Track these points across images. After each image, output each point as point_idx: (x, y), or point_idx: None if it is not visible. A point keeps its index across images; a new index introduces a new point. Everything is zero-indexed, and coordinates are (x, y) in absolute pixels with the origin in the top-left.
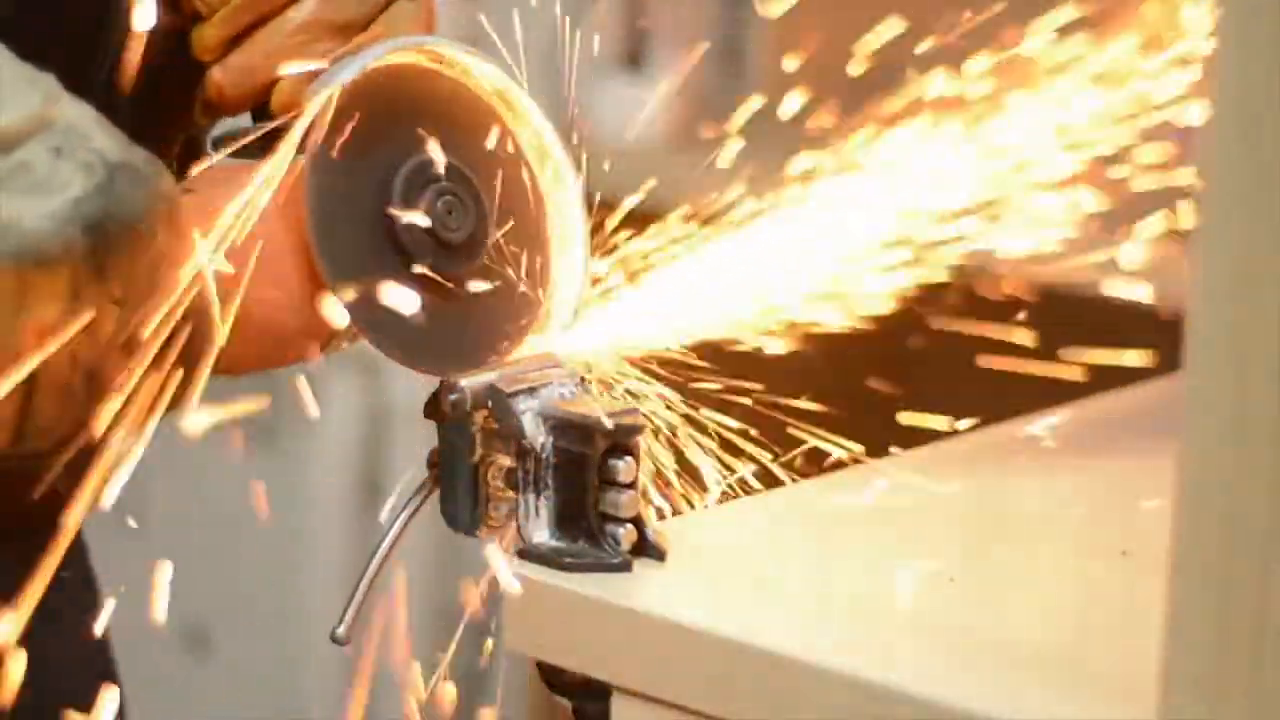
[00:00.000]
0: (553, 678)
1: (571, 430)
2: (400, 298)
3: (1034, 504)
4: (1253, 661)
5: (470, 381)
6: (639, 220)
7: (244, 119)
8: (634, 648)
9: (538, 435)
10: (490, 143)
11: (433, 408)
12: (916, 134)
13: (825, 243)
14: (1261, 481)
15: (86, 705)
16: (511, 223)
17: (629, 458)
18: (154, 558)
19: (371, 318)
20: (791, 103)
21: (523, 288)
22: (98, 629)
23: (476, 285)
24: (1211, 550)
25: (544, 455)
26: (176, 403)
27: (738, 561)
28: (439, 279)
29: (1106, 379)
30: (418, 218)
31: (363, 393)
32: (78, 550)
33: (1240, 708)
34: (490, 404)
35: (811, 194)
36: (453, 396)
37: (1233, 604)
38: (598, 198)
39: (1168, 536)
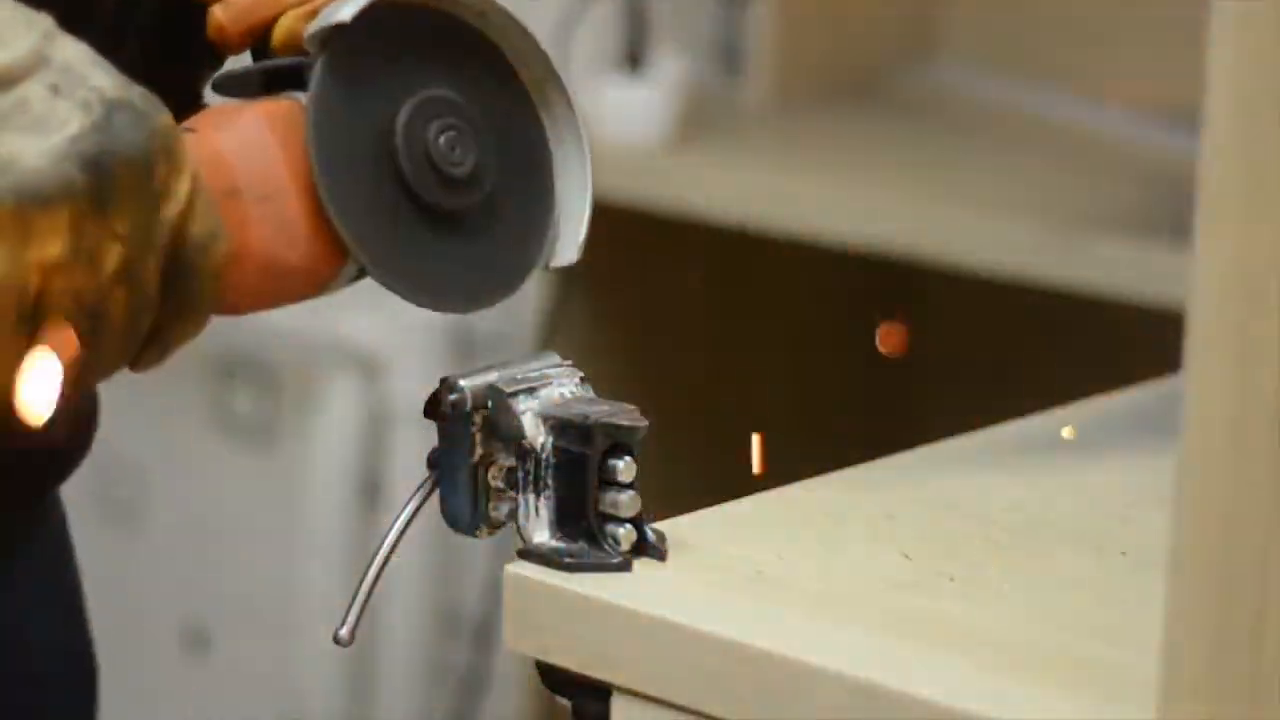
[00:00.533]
0: (553, 678)
1: (571, 430)
2: (404, 233)
3: (1034, 504)
4: (1253, 661)
5: (470, 381)
6: (638, 220)
7: (244, 60)
8: (634, 648)
9: (538, 435)
10: (493, 77)
11: (433, 408)
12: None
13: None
14: (1261, 481)
15: (61, 683)
16: (515, 157)
17: (629, 458)
18: (154, 557)
19: (374, 253)
20: (790, 102)
21: (527, 223)
22: (76, 606)
23: (480, 220)
24: (1211, 550)
25: (544, 455)
26: (176, 340)
27: (738, 561)
28: (442, 213)
29: (1107, 379)
30: (419, 152)
31: (363, 393)
32: (57, 521)
33: (1240, 708)
34: (490, 404)
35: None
36: (453, 396)
37: (1233, 604)
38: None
39: (1168, 536)
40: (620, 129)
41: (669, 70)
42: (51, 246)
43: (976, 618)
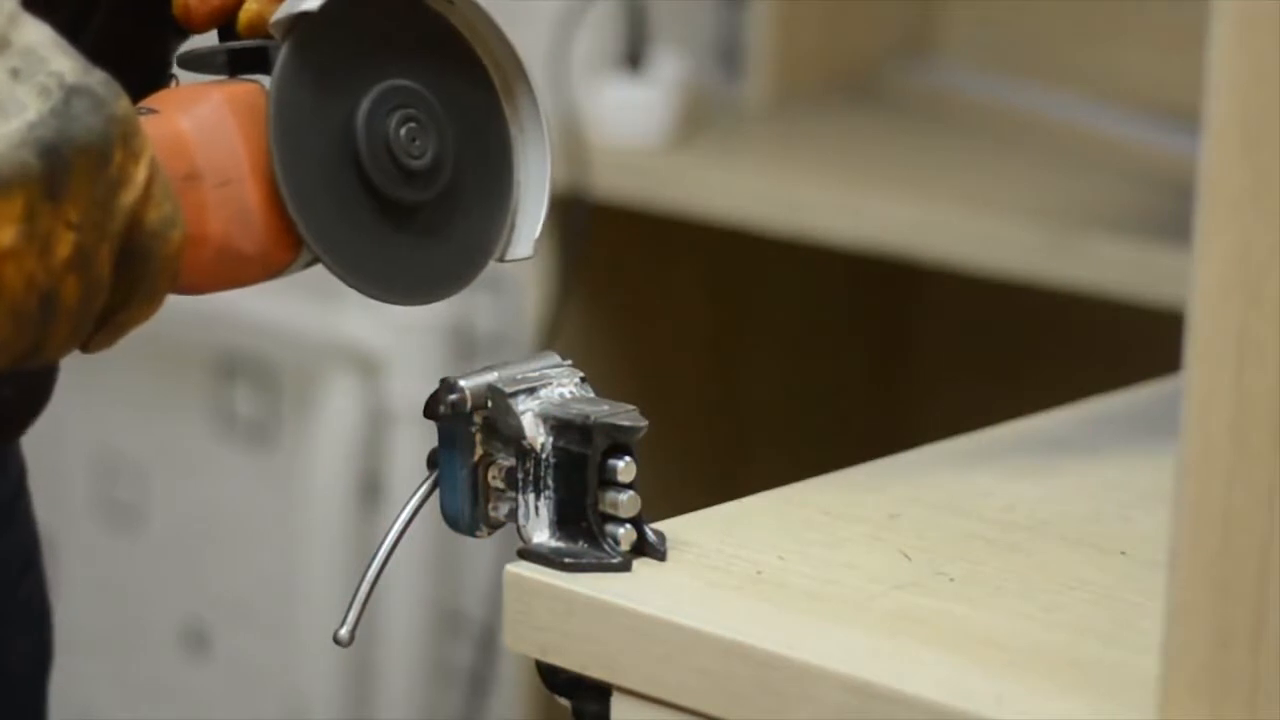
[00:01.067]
0: (553, 678)
1: (571, 430)
2: (360, 224)
3: (1034, 504)
4: (1253, 661)
5: (470, 381)
6: (637, 220)
7: (210, 38)
8: (634, 648)
9: (538, 435)
10: (458, 68)
11: (432, 408)
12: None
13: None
14: (1261, 481)
15: (17, 635)
16: (477, 150)
17: (629, 458)
18: (154, 557)
19: (329, 245)
20: (790, 102)
21: (484, 217)
22: (34, 560)
23: (438, 213)
24: (1211, 550)
25: (544, 455)
26: (129, 324)
27: (738, 561)
28: (400, 206)
29: (1107, 379)
30: (379, 143)
31: (363, 393)
32: (15, 474)
33: (1240, 708)
34: (490, 404)
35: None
36: (452, 396)
37: (1232, 604)
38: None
39: (1168, 536)
40: (620, 129)
41: (669, 70)
42: (4, 233)
43: (976, 618)
